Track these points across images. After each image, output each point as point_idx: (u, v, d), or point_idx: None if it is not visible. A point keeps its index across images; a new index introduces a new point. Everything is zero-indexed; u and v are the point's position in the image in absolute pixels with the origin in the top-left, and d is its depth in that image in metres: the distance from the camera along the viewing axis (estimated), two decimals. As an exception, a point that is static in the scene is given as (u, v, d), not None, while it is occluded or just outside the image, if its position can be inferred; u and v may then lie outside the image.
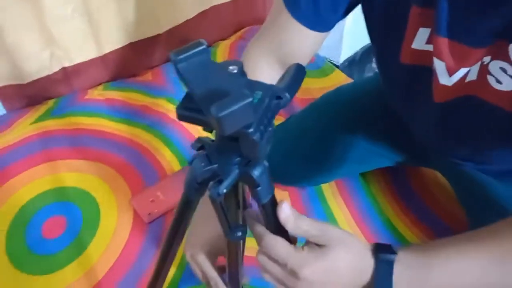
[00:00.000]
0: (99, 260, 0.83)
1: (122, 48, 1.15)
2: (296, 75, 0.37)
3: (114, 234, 0.87)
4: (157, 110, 1.11)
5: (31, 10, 0.96)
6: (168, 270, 0.55)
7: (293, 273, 0.40)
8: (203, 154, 0.40)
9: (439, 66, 0.51)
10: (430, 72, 0.54)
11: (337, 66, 1.35)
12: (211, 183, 0.39)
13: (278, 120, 0.97)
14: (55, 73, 1.08)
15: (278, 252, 0.41)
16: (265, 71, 0.66)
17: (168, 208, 0.89)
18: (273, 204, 0.42)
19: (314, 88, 1.16)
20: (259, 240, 0.42)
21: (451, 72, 0.51)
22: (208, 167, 0.39)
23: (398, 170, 0.96)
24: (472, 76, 0.51)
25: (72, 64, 1.10)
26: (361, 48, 1.72)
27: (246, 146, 0.35)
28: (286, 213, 0.41)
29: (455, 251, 0.42)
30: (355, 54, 1.72)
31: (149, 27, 1.17)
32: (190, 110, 0.34)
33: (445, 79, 0.52)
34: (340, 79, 1.21)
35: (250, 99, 0.29)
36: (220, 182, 0.38)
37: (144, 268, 0.82)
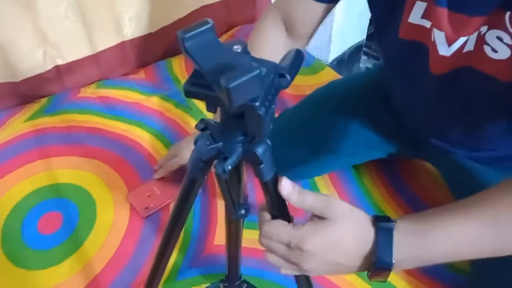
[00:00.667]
0: (95, 255, 0.83)
1: (115, 46, 1.16)
2: (295, 59, 0.39)
3: (110, 230, 0.87)
4: (150, 107, 1.12)
5: (24, 8, 0.96)
6: (171, 253, 0.55)
7: (297, 248, 0.41)
8: (208, 134, 0.41)
9: (438, 36, 0.53)
10: (426, 49, 0.56)
11: (326, 65, 1.38)
12: (215, 161, 0.41)
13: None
14: (48, 71, 1.08)
15: (279, 233, 0.43)
16: (273, 36, 0.74)
17: (164, 202, 0.90)
18: (275, 182, 0.43)
19: (305, 85, 1.18)
20: (259, 228, 0.44)
21: (450, 42, 0.53)
22: (213, 146, 0.41)
23: (390, 162, 0.98)
24: (469, 47, 0.53)
25: (65, 62, 1.10)
26: (349, 48, 1.76)
27: (251, 122, 0.36)
28: (287, 189, 0.42)
29: (450, 217, 0.44)
30: (343, 53, 1.75)
31: (141, 26, 1.18)
32: (197, 86, 0.35)
33: (444, 50, 0.54)
34: (330, 76, 1.24)
35: (258, 71, 0.31)
36: (225, 159, 0.39)
37: (141, 263, 0.82)
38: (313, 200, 0.43)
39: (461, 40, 0.52)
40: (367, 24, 1.70)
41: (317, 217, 0.43)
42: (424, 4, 0.54)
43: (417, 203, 0.92)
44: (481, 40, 0.52)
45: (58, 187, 0.93)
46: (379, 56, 1.77)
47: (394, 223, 0.43)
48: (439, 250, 0.43)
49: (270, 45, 0.73)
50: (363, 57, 1.80)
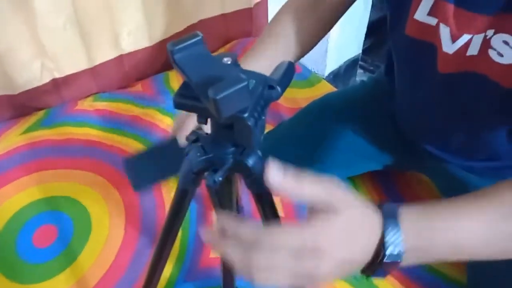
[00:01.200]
0: (91, 268, 0.82)
1: (113, 60, 1.17)
2: (287, 71, 0.39)
3: (106, 242, 0.87)
4: (147, 120, 1.12)
5: (23, 20, 0.97)
6: (164, 266, 0.55)
7: (312, 250, 0.35)
8: (199, 145, 0.42)
9: (444, 32, 0.54)
10: (432, 47, 0.57)
11: (321, 79, 1.39)
12: (206, 172, 0.41)
13: (267, 128, 1.00)
14: (46, 84, 1.09)
15: (290, 238, 0.35)
16: (298, 17, 0.69)
17: None
18: (267, 194, 0.44)
19: (301, 98, 1.19)
20: (256, 243, 0.34)
21: (454, 38, 0.54)
22: (204, 157, 0.41)
23: (386, 174, 0.98)
24: (473, 51, 0.54)
25: (62, 75, 1.10)
26: (345, 62, 1.78)
27: (240, 133, 0.36)
28: (278, 176, 0.35)
29: (457, 210, 0.42)
30: (339, 67, 1.76)
31: (139, 39, 1.19)
32: (187, 97, 0.36)
33: (448, 46, 0.55)
34: (326, 89, 1.25)
35: (246, 83, 0.31)
36: (215, 171, 0.40)
37: (136, 276, 0.82)
38: (313, 189, 0.36)
39: (465, 37, 0.53)
40: (363, 38, 1.72)
41: (318, 210, 0.37)
42: (431, 1, 0.55)
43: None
44: (486, 44, 0.52)
45: (53, 200, 0.93)
46: (374, 70, 1.79)
47: (399, 210, 0.39)
48: (447, 242, 0.40)
49: (295, 24, 0.68)
50: (359, 71, 1.82)
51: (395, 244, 0.37)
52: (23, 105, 1.09)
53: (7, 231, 0.87)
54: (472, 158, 0.71)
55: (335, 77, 1.75)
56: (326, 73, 1.72)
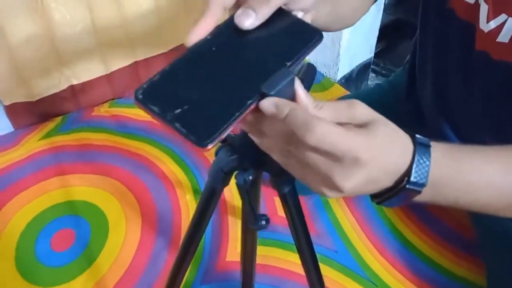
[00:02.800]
0: (108, 272, 0.84)
1: (128, 66, 1.18)
2: (308, 72, 0.39)
3: (122, 246, 0.88)
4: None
5: (41, 29, 1.00)
6: (189, 263, 0.55)
7: (354, 160, 0.32)
8: (228, 145, 0.42)
9: (483, 9, 0.53)
10: (471, 25, 0.56)
11: (334, 83, 1.39)
12: (236, 172, 0.41)
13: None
14: (63, 90, 1.11)
15: (337, 139, 0.32)
16: None
17: None
18: (294, 195, 0.44)
19: (314, 101, 1.19)
20: (303, 131, 0.31)
21: (491, 17, 0.53)
22: (234, 156, 0.41)
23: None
24: (505, 38, 0.52)
25: (79, 82, 1.13)
26: (357, 66, 1.77)
27: None
28: (306, 99, 0.32)
29: (482, 154, 0.40)
30: (352, 71, 1.76)
31: (153, 46, 1.21)
32: None
33: (484, 24, 0.54)
34: (339, 93, 1.25)
35: (293, 75, 0.30)
36: (245, 170, 0.40)
37: (154, 277, 0.83)
38: (337, 110, 0.33)
39: (502, 17, 0.52)
40: (375, 42, 1.72)
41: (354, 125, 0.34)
42: None
43: (428, 217, 0.92)
44: None
45: (71, 204, 0.95)
46: (386, 74, 1.78)
47: (429, 139, 0.37)
48: (468, 180, 0.38)
49: None
50: (371, 75, 1.81)
51: (421, 173, 0.35)
52: (42, 112, 1.11)
53: (26, 235, 0.89)
54: None
55: (347, 81, 1.74)
56: (338, 77, 1.71)
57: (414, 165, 0.35)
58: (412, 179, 0.35)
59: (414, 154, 0.35)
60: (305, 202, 0.95)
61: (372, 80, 1.80)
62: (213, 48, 0.33)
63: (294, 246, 0.83)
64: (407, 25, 1.79)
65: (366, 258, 0.86)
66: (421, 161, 0.35)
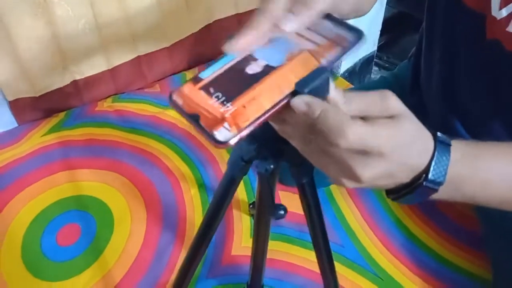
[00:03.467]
0: (114, 266, 0.84)
1: (131, 61, 1.18)
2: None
3: (128, 240, 0.88)
4: (165, 120, 1.13)
5: (44, 25, 0.99)
6: (204, 253, 0.55)
7: (380, 154, 0.33)
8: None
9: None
10: (482, 14, 0.55)
11: (337, 76, 1.39)
12: (256, 160, 0.41)
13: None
14: (67, 86, 1.11)
15: (366, 142, 0.32)
16: None
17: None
18: (312, 186, 0.43)
19: (318, 95, 1.19)
20: (334, 136, 0.31)
21: (503, 4, 0.52)
22: (254, 145, 0.41)
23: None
24: None
25: (83, 77, 1.12)
26: (360, 59, 1.77)
27: None
28: (337, 93, 0.32)
29: (499, 152, 0.40)
30: (355, 65, 1.76)
31: (156, 40, 1.20)
32: None
33: (496, 11, 0.53)
34: (343, 86, 1.25)
35: (329, 71, 0.30)
36: (265, 158, 0.40)
37: (161, 270, 0.83)
38: (371, 102, 0.33)
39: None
40: (378, 35, 1.71)
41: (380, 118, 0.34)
42: None
43: (434, 211, 0.92)
44: None
45: (75, 199, 0.95)
46: (389, 67, 1.77)
47: (450, 139, 0.37)
48: (484, 177, 0.38)
49: None
50: (374, 68, 1.81)
51: (439, 171, 0.36)
52: (46, 107, 1.11)
53: (32, 230, 0.89)
54: None
55: (351, 74, 1.74)
56: (342, 71, 1.71)
57: (433, 163, 0.35)
58: (430, 176, 0.35)
59: (434, 152, 0.35)
60: (309, 196, 0.96)
61: (375, 74, 1.79)
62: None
63: (299, 240, 0.83)
64: (410, 19, 1.79)
65: (371, 252, 0.86)
66: (441, 159, 0.36)
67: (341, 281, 0.81)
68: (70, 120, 1.12)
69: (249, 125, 0.29)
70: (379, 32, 1.72)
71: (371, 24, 1.64)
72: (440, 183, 0.36)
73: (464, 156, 0.37)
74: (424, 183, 0.35)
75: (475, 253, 0.85)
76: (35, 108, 1.10)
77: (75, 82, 1.12)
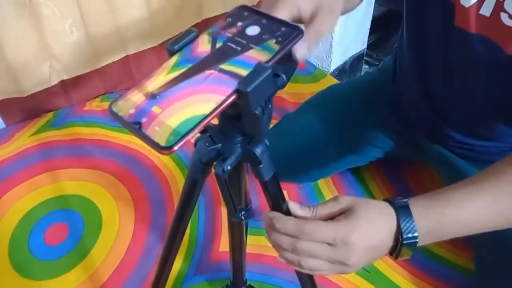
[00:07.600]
0: (102, 264, 0.84)
1: (119, 60, 1.18)
2: (288, 68, 0.39)
3: (116, 239, 0.88)
4: (154, 119, 1.13)
5: (30, 25, 0.99)
6: (174, 257, 0.56)
7: (343, 243, 0.41)
8: (206, 136, 0.42)
9: None
10: (451, 3, 0.57)
11: (327, 75, 1.39)
12: (215, 162, 0.41)
13: (272, 123, 1.00)
14: (54, 86, 1.10)
15: (324, 233, 0.41)
16: None
17: None
18: (275, 182, 0.44)
19: (306, 92, 1.19)
20: (298, 232, 0.42)
21: None
22: (212, 147, 0.41)
23: (392, 165, 0.98)
24: (486, 11, 0.54)
25: (70, 77, 1.12)
26: (350, 58, 1.77)
27: (248, 122, 0.36)
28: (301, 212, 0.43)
29: (464, 191, 0.45)
30: (345, 63, 1.76)
31: (144, 40, 1.20)
32: None
33: (465, 0, 0.55)
34: (331, 83, 1.25)
35: (270, 70, 0.31)
36: (224, 160, 0.40)
37: (148, 270, 0.83)
38: (328, 208, 0.44)
39: None
40: (367, 34, 1.72)
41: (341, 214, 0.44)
42: None
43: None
44: (499, 7, 0.52)
45: (64, 198, 0.95)
46: (379, 65, 1.78)
47: (406, 199, 0.44)
48: (456, 222, 0.44)
49: None
50: (364, 66, 1.82)
51: (410, 230, 0.42)
52: (33, 108, 1.11)
53: (19, 230, 0.89)
54: (472, 135, 0.71)
55: (341, 72, 1.75)
56: (332, 69, 1.72)
57: (402, 225, 0.42)
58: (404, 236, 0.42)
59: (398, 216, 0.43)
60: (297, 191, 0.96)
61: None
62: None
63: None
64: (399, 16, 1.80)
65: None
66: (406, 219, 0.43)
67: (326, 278, 0.81)
68: (58, 121, 1.12)
69: (191, 129, 0.30)
70: (368, 30, 1.73)
71: (360, 22, 1.65)
72: (416, 237, 0.42)
73: (426, 207, 0.44)
74: (404, 242, 0.42)
75: (463, 246, 0.86)
76: (23, 109, 1.10)
77: (62, 82, 1.12)
